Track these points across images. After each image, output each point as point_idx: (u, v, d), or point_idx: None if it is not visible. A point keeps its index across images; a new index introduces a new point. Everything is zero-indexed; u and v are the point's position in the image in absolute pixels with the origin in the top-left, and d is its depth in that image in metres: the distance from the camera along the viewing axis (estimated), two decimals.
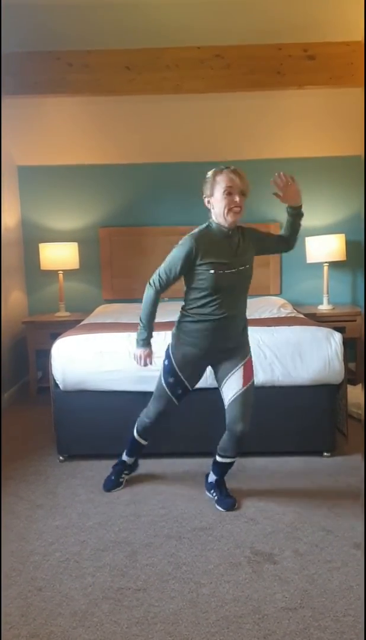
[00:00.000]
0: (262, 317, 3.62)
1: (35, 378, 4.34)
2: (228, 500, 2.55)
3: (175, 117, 4.21)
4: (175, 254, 2.33)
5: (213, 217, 2.36)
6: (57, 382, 3.02)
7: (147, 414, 2.58)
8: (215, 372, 2.50)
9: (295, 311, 3.86)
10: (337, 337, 3.00)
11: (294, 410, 2.99)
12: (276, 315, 3.65)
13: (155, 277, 2.39)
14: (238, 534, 2.31)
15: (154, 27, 3.51)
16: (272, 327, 3.13)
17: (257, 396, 2.96)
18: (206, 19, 3.46)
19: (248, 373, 2.44)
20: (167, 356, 2.45)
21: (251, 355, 2.50)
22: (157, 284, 2.38)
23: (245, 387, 2.41)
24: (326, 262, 4.41)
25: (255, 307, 3.91)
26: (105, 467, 2.97)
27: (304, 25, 3.50)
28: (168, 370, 2.44)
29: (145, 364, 2.48)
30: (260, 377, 2.95)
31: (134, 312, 3.89)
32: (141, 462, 2.99)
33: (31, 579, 2.05)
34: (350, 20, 3.45)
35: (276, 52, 3.65)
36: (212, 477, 2.64)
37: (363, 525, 2.35)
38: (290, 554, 2.16)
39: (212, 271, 2.28)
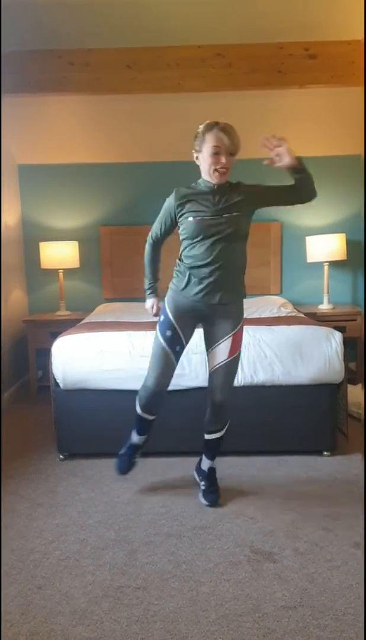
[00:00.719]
0: (262, 316, 3.62)
1: (36, 377, 4.34)
2: (214, 495, 2.55)
3: (176, 116, 4.20)
4: (163, 209, 2.47)
5: (201, 174, 2.37)
6: (58, 381, 3.02)
7: (144, 386, 2.51)
8: (205, 335, 2.50)
9: (295, 310, 3.86)
10: (337, 336, 3.00)
11: (294, 409, 3.00)
12: (276, 315, 3.65)
13: (150, 233, 2.55)
14: (238, 532, 2.32)
15: (155, 26, 3.51)
16: (272, 327, 3.13)
17: (257, 395, 2.98)
18: (207, 18, 3.46)
19: (236, 345, 2.43)
20: (163, 311, 2.47)
21: (242, 328, 2.48)
22: (151, 237, 2.55)
23: (230, 358, 2.42)
24: (326, 262, 4.41)
25: (256, 307, 3.91)
26: (105, 466, 2.97)
27: (305, 24, 3.50)
28: (166, 323, 2.43)
29: (156, 314, 2.57)
30: (260, 376, 2.95)
31: (135, 311, 3.91)
32: (141, 461, 2.99)
33: (31, 577, 2.05)
34: (351, 20, 3.45)
35: (278, 51, 3.65)
36: (204, 464, 2.65)
37: (363, 525, 2.35)
38: (289, 552, 2.17)
39: (191, 218, 2.33)
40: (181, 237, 2.43)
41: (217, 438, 2.57)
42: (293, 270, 4.68)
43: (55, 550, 2.22)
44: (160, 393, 2.50)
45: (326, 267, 4.43)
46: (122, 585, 1.99)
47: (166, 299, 2.49)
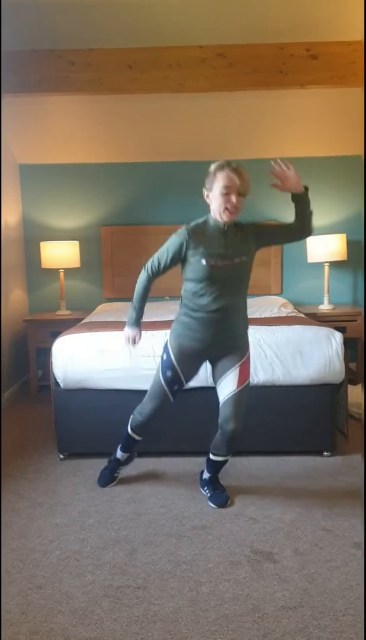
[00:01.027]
0: (263, 316, 3.62)
1: (36, 376, 4.34)
2: (221, 496, 2.56)
3: (177, 116, 4.21)
4: (169, 243, 2.38)
5: (211, 212, 2.37)
6: (58, 380, 3.02)
7: (141, 412, 2.56)
8: (212, 369, 2.50)
9: (295, 311, 3.86)
10: (338, 336, 3.00)
11: (294, 409, 3.00)
12: (277, 315, 3.65)
13: (149, 263, 2.45)
14: (238, 532, 2.32)
15: (156, 26, 3.51)
16: (273, 327, 3.13)
17: (257, 395, 2.97)
18: (208, 18, 3.46)
19: (244, 374, 2.43)
20: (165, 350, 2.45)
21: (249, 356, 2.49)
22: (150, 269, 2.45)
23: (239, 388, 2.41)
24: (327, 262, 4.41)
25: (256, 307, 3.91)
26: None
27: (307, 25, 3.49)
28: (167, 364, 2.43)
29: (134, 343, 2.57)
30: (261, 376, 2.95)
31: None
32: (142, 460, 2.99)
33: (31, 576, 2.06)
34: (353, 20, 3.44)
35: (279, 52, 3.65)
36: (206, 475, 2.66)
37: (363, 525, 2.35)
38: (289, 553, 2.17)
39: (204, 262, 2.30)
40: (187, 277, 2.39)
41: (222, 461, 2.58)
42: (294, 270, 4.68)
43: (55, 550, 2.22)
44: (154, 421, 2.57)
45: (326, 268, 4.43)
46: (122, 585, 1.99)
47: (170, 339, 2.46)
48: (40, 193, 4.63)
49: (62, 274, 4.46)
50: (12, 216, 4.42)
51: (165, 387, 2.45)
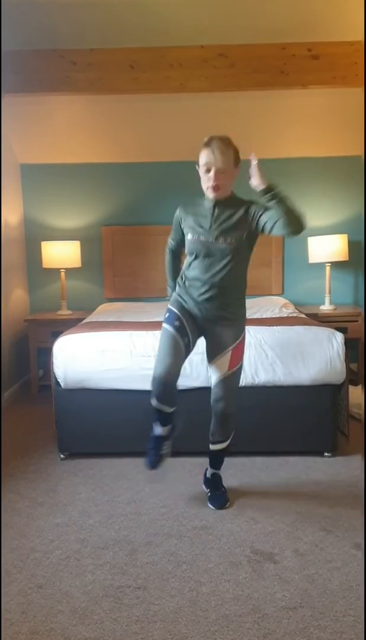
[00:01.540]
0: (264, 316, 3.62)
1: (37, 376, 4.34)
2: (221, 498, 2.56)
3: (179, 116, 4.21)
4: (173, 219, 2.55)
5: None
6: (59, 380, 3.02)
7: (155, 377, 2.36)
8: (206, 346, 2.51)
9: (296, 311, 3.86)
10: (339, 337, 3.00)
11: (295, 410, 2.99)
12: (278, 315, 3.65)
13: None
14: (238, 533, 2.31)
15: (158, 26, 3.51)
16: (274, 327, 3.13)
17: (258, 396, 2.98)
18: (210, 18, 3.46)
19: (236, 358, 2.44)
20: (168, 310, 2.47)
21: (243, 340, 2.48)
22: (168, 245, 2.67)
23: (231, 371, 2.44)
24: (328, 263, 4.41)
25: (257, 307, 3.91)
26: (106, 466, 2.98)
27: (308, 25, 3.49)
28: (173, 316, 2.42)
29: None
30: (262, 376, 2.95)
31: (136, 311, 3.91)
32: (142, 460, 2.99)
33: (31, 576, 2.05)
34: (354, 20, 3.44)
35: (281, 52, 3.65)
36: (209, 472, 2.66)
37: (364, 526, 2.35)
38: (290, 553, 2.16)
39: (190, 236, 2.40)
40: (185, 250, 2.50)
41: (221, 449, 2.57)
42: (295, 270, 4.68)
43: (56, 550, 2.22)
44: (171, 383, 2.36)
45: (327, 268, 4.43)
46: (122, 585, 1.99)
47: (171, 299, 2.52)
48: (42, 193, 4.63)
49: (63, 273, 4.46)
50: (13, 216, 4.42)
51: (177, 335, 2.36)
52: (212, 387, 2.50)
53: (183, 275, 2.49)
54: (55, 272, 4.57)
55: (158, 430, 2.46)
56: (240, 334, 2.47)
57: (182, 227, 2.48)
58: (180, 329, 2.39)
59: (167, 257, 2.69)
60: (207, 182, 2.31)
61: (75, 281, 4.67)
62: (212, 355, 2.48)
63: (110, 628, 1.77)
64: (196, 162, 2.35)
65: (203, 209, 2.39)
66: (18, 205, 4.57)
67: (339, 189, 4.60)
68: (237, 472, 2.88)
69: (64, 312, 4.43)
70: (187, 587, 1.97)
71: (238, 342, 2.45)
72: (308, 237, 4.49)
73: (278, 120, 4.28)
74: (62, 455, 3.09)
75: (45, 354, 4.08)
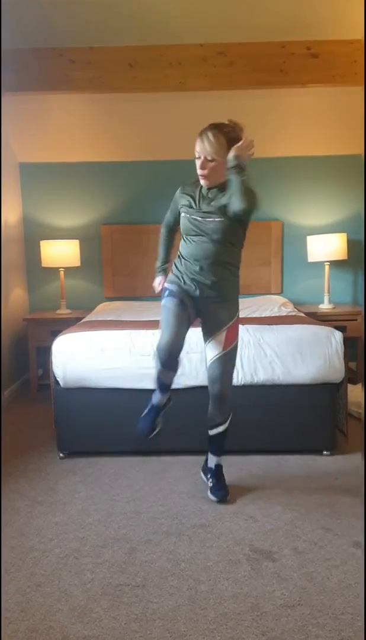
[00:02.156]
0: (263, 315, 3.62)
1: (36, 375, 4.34)
2: (222, 491, 2.58)
3: (178, 115, 4.20)
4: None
5: None
6: (58, 379, 3.02)
7: (159, 347, 2.39)
8: (202, 326, 2.58)
9: (296, 310, 3.86)
10: (338, 336, 3.00)
11: (294, 408, 3.00)
12: (277, 314, 3.65)
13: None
14: (237, 531, 2.32)
15: (157, 25, 3.51)
16: (273, 326, 3.13)
17: (257, 394, 2.98)
18: (209, 17, 3.45)
19: (231, 337, 2.52)
20: (166, 288, 2.55)
21: (237, 322, 2.56)
22: (164, 221, 2.75)
23: (225, 351, 2.50)
24: (327, 261, 4.40)
25: (256, 306, 3.91)
26: (105, 464, 2.98)
27: (307, 23, 3.49)
28: (172, 292, 2.49)
29: (155, 290, 2.72)
30: (261, 375, 2.95)
31: (135, 310, 3.91)
32: (141, 459, 3.00)
33: (30, 574, 2.06)
34: (353, 19, 3.44)
35: (280, 50, 3.65)
36: (211, 462, 2.67)
37: (363, 524, 2.35)
38: (289, 551, 2.17)
39: (183, 214, 2.50)
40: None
41: (221, 432, 2.60)
42: (294, 269, 4.68)
43: (55, 548, 2.22)
44: (176, 350, 2.39)
45: (327, 267, 4.43)
46: (121, 583, 1.99)
47: (168, 279, 2.58)
48: (41, 192, 4.63)
49: (62, 272, 4.46)
50: (12, 215, 4.42)
51: (179, 305, 2.43)
52: (208, 368, 2.55)
53: (179, 255, 2.56)
54: (54, 271, 4.57)
55: (158, 397, 2.50)
56: (234, 313, 2.56)
57: (178, 205, 2.56)
58: (181, 302, 2.47)
59: (163, 233, 2.77)
60: (197, 170, 2.40)
61: (74, 280, 4.67)
62: (208, 334, 2.55)
63: (109, 626, 1.77)
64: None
65: (197, 192, 2.49)
66: (17, 204, 4.57)
67: (338, 188, 4.60)
68: (235, 470, 2.88)
69: (63, 311, 4.43)
70: (186, 585, 1.97)
71: (233, 321, 2.53)
72: (307, 235, 4.49)
73: (278, 119, 4.28)
74: (61, 454, 3.09)
75: (45, 353, 4.07)
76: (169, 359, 2.40)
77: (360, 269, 4.65)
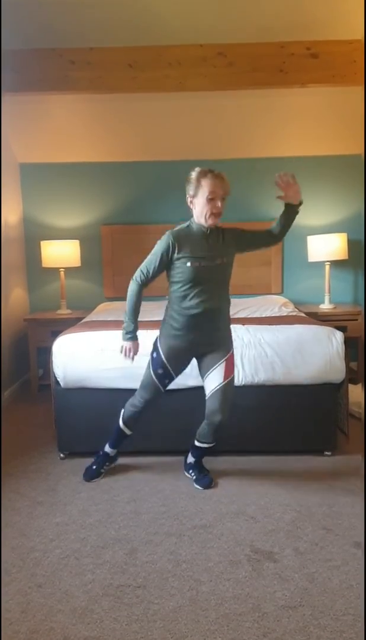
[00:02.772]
0: (263, 315, 3.62)
1: (36, 375, 4.34)
2: (206, 479, 2.70)
3: (178, 115, 4.21)
4: (155, 250, 2.48)
5: (194, 217, 2.48)
6: (58, 379, 3.02)
7: (133, 403, 2.67)
8: (199, 364, 2.62)
9: (296, 310, 3.86)
10: (338, 335, 3.00)
11: (295, 409, 2.99)
12: (277, 314, 3.65)
13: (137, 273, 2.51)
14: (238, 532, 2.32)
15: (157, 25, 3.51)
16: (273, 326, 3.12)
17: (258, 395, 2.98)
18: (209, 17, 3.45)
19: (229, 368, 2.55)
20: (155, 349, 2.57)
21: (233, 353, 2.61)
22: (139, 278, 2.50)
23: (225, 382, 2.53)
24: (327, 261, 4.40)
25: (257, 306, 3.91)
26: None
27: (307, 23, 3.49)
28: (157, 362, 2.55)
29: (132, 358, 2.60)
30: (261, 375, 2.95)
31: None
32: (142, 459, 3.00)
33: (31, 575, 2.05)
34: (353, 19, 3.44)
35: (279, 50, 3.65)
36: (191, 459, 2.79)
37: (364, 524, 2.35)
38: (290, 552, 2.16)
39: (189, 264, 2.41)
40: (172, 280, 2.49)
41: (208, 447, 2.72)
42: (295, 269, 4.68)
43: (56, 549, 2.22)
44: (147, 412, 2.67)
45: (327, 267, 4.43)
46: (122, 584, 1.99)
47: (159, 339, 2.57)
48: (41, 192, 4.63)
49: (62, 273, 4.45)
50: (12, 215, 4.42)
51: (157, 382, 2.58)
52: (207, 399, 2.58)
53: (175, 309, 2.49)
54: (54, 271, 4.57)
55: (109, 449, 2.82)
56: (230, 347, 2.60)
57: (172, 256, 2.42)
58: (162, 376, 2.55)
59: (136, 292, 2.49)
60: (211, 209, 2.38)
61: (74, 280, 4.67)
62: (206, 370, 2.58)
63: (110, 627, 1.77)
64: (188, 188, 2.44)
65: (195, 236, 2.46)
66: (17, 205, 4.57)
67: (338, 188, 4.60)
68: (236, 471, 2.88)
69: (64, 312, 4.43)
70: (187, 586, 1.97)
71: (229, 353, 2.57)
72: (307, 236, 4.49)
73: (277, 119, 4.27)
74: (61, 455, 3.09)
75: (45, 353, 4.08)
76: (135, 422, 2.70)
77: (360, 268, 4.65)
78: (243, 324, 3.15)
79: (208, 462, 2.84)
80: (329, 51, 3.64)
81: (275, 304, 3.97)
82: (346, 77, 3.68)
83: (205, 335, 2.51)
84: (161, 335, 2.57)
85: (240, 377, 2.93)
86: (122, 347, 2.59)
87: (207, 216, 2.40)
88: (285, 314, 3.66)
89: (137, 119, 4.26)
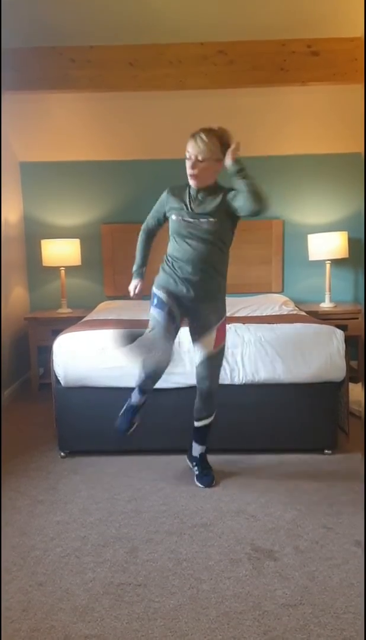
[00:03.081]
0: (264, 314, 3.61)
1: (37, 374, 4.34)
2: (207, 477, 2.70)
3: (178, 114, 4.20)
4: (157, 201, 2.67)
5: None
6: (59, 378, 3.02)
7: (148, 362, 2.43)
8: (190, 326, 2.63)
9: (297, 309, 3.85)
10: (339, 334, 3.00)
11: (295, 407, 2.99)
12: (278, 313, 3.65)
13: (144, 223, 2.75)
14: (238, 530, 2.32)
15: (157, 23, 3.50)
16: (274, 325, 3.12)
17: (258, 393, 2.98)
18: (209, 15, 3.45)
19: (220, 337, 2.60)
20: (154, 295, 2.58)
21: (225, 322, 2.64)
22: (144, 226, 2.76)
23: (216, 350, 2.59)
24: (328, 260, 4.40)
25: (257, 305, 3.91)
26: (106, 463, 2.98)
27: (308, 21, 3.48)
28: (160, 304, 2.53)
29: (137, 296, 2.74)
30: (262, 374, 2.95)
31: (136, 309, 3.90)
32: (142, 458, 3.00)
33: (32, 573, 2.06)
34: (354, 16, 3.43)
35: (280, 48, 3.64)
36: (196, 451, 2.77)
37: (364, 523, 2.35)
38: (290, 550, 2.16)
39: (174, 217, 2.52)
40: (169, 233, 2.60)
41: (206, 425, 2.71)
42: (295, 268, 4.68)
43: (56, 547, 2.22)
44: (164, 365, 2.43)
45: (328, 265, 4.42)
46: (122, 582, 1.99)
47: (155, 285, 2.61)
48: (41, 191, 4.63)
49: (63, 271, 4.45)
50: (13, 214, 4.42)
51: (165, 317, 2.47)
52: (197, 366, 2.62)
53: (168, 257, 2.60)
54: (55, 270, 4.57)
55: (137, 398, 2.56)
56: (222, 314, 2.62)
57: (165, 209, 2.59)
58: (170, 313, 2.50)
59: (142, 237, 2.77)
60: (188, 171, 2.44)
61: (75, 279, 4.67)
62: (198, 334, 2.60)
63: (111, 625, 1.78)
64: None
65: (187, 193, 2.53)
66: (18, 203, 4.56)
67: (339, 186, 4.59)
68: (237, 469, 2.88)
69: (64, 310, 4.43)
70: (187, 584, 1.97)
71: (221, 321, 2.60)
72: (308, 234, 4.49)
73: (278, 117, 4.27)
74: (62, 453, 3.09)
75: (46, 352, 4.08)
76: (155, 374, 2.47)
77: (360, 267, 4.65)
78: (244, 323, 3.15)
79: (208, 460, 2.84)
80: (330, 49, 3.63)
81: (276, 303, 3.97)
82: (347, 75, 3.67)
83: (192, 290, 2.51)
84: (157, 281, 2.61)
85: (241, 376, 2.93)
86: (131, 287, 2.76)
87: (189, 177, 2.45)
88: (285, 312, 3.65)
89: (138, 118, 4.26)
